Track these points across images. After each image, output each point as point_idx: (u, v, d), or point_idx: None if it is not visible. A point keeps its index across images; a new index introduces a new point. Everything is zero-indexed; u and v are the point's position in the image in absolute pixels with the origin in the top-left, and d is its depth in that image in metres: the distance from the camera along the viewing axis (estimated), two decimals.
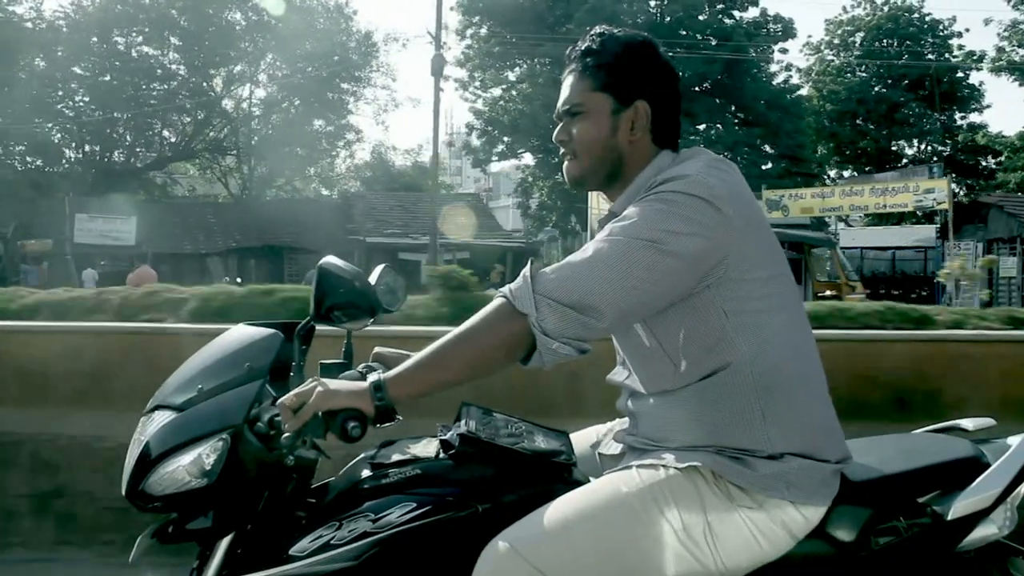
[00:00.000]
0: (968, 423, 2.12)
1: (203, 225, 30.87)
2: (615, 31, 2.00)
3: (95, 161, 35.05)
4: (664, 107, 1.97)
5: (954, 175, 30.67)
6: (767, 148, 37.38)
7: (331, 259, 1.97)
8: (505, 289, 1.78)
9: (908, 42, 40.33)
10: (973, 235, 25.67)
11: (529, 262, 1.81)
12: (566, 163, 2.03)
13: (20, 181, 32.03)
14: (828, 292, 15.97)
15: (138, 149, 37.20)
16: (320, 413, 1.70)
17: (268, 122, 38.44)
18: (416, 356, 1.78)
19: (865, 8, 42.25)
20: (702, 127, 36.88)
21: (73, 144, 35.98)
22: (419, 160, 45.80)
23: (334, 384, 1.74)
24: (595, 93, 1.95)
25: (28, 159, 34.72)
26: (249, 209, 33.20)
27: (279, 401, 1.74)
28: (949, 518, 1.81)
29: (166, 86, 35.73)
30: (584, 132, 1.97)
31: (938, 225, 25.58)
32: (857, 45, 41.74)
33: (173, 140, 37.54)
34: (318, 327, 2.05)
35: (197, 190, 41.97)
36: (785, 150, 36.87)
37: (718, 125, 37.05)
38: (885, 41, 40.99)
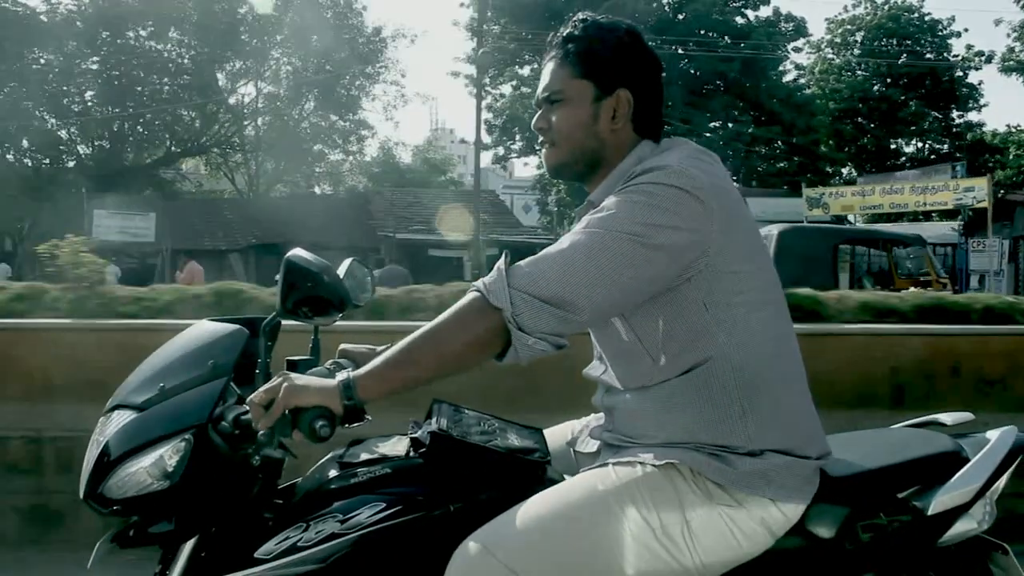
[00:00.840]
0: (946, 417, 2.14)
1: (221, 221, 30.69)
2: (598, 18, 1.99)
3: (104, 157, 35.08)
4: (647, 96, 1.97)
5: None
6: (782, 145, 37.84)
7: (298, 251, 1.96)
8: (479, 283, 1.76)
9: (908, 41, 41.28)
10: (999, 232, 25.62)
11: (503, 255, 1.78)
12: (545, 151, 2.02)
13: (31, 177, 32.17)
14: (911, 289, 15.91)
15: (146, 145, 37.22)
16: (287, 411, 1.68)
17: (277, 118, 38.48)
18: (386, 353, 1.76)
19: (865, 7, 43.12)
20: (717, 124, 37.40)
21: (81, 140, 36.06)
22: (429, 156, 45.84)
23: (301, 380, 1.72)
24: (576, 80, 1.94)
25: (38, 155, 34.78)
26: (266, 205, 33.13)
27: (249, 399, 1.72)
28: (929, 513, 1.82)
29: (179, 81, 35.71)
30: (564, 120, 1.96)
31: (960, 222, 25.49)
32: (858, 44, 42.65)
33: (182, 136, 37.58)
34: (285, 322, 2.03)
35: (204, 186, 42.07)
36: (799, 147, 37.66)
37: (731, 123, 37.59)
38: (885, 40, 41.88)
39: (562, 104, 1.95)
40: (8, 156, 33.80)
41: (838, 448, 1.90)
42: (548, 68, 1.98)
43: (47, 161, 34.69)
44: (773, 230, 14.90)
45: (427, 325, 1.75)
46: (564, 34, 1.97)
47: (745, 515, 1.75)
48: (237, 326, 1.96)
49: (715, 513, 1.75)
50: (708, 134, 35.48)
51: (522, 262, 1.75)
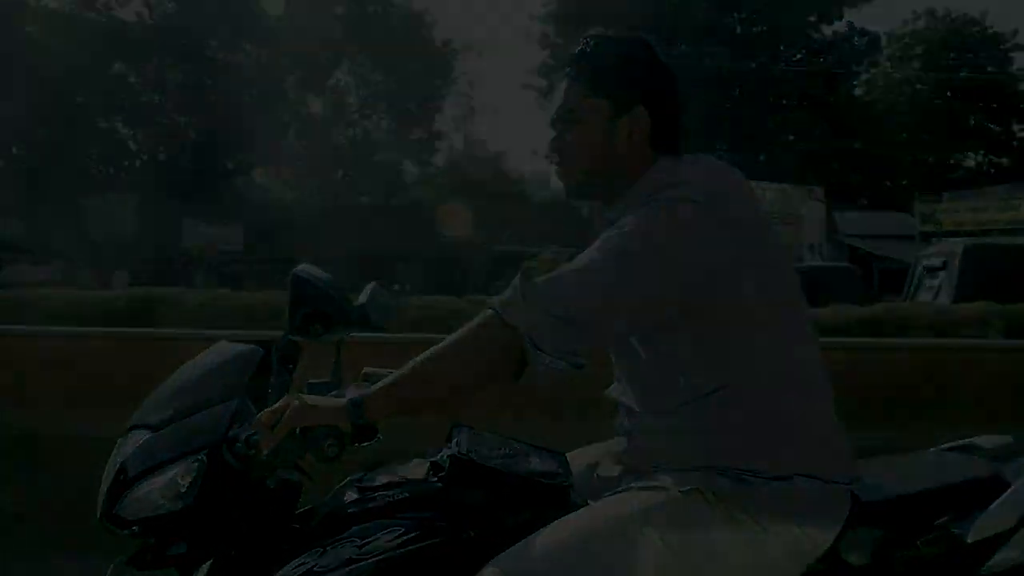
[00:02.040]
0: (984, 441, 2.08)
1: (306, 231, 30.72)
2: (610, 33, 1.97)
3: (183, 166, 35.89)
4: (663, 111, 1.93)
5: None
6: (859, 160, 38.58)
7: (305, 266, 1.98)
8: (495, 300, 1.75)
9: (970, 55, 40.98)
10: None
11: (520, 271, 1.75)
12: (561, 171, 2.00)
13: (112, 184, 32.92)
14: None
15: (229, 153, 37.99)
16: (298, 430, 1.68)
17: (349, 128, 39.05)
18: (398, 372, 1.76)
19: (925, 20, 43.13)
20: (794, 136, 38.42)
21: (160, 148, 36.93)
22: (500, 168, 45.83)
23: (311, 400, 1.74)
24: (591, 99, 1.92)
25: (116, 163, 35.67)
26: (344, 215, 33.25)
27: (256, 418, 1.74)
28: (969, 540, 1.78)
29: (252, 91, 36.35)
30: (580, 139, 1.94)
31: None
32: (919, 57, 42.52)
33: (256, 146, 38.18)
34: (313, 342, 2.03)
35: (275, 195, 42.64)
36: (875, 161, 38.39)
37: (803, 139, 37.62)
38: (948, 54, 41.56)
39: (577, 124, 1.93)
40: (88, 165, 34.76)
41: (871, 472, 1.86)
42: (563, 87, 1.96)
43: (119, 169, 35.53)
44: (957, 247, 14.67)
45: (442, 343, 1.74)
46: (577, 51, 1.95)
47: (772, 541, 1.71)
48: (252, 346, 1.98)
49: (741, 539, 1.71)
50: (786, 147, 35.63)
51: (539, 279, 1.74)
